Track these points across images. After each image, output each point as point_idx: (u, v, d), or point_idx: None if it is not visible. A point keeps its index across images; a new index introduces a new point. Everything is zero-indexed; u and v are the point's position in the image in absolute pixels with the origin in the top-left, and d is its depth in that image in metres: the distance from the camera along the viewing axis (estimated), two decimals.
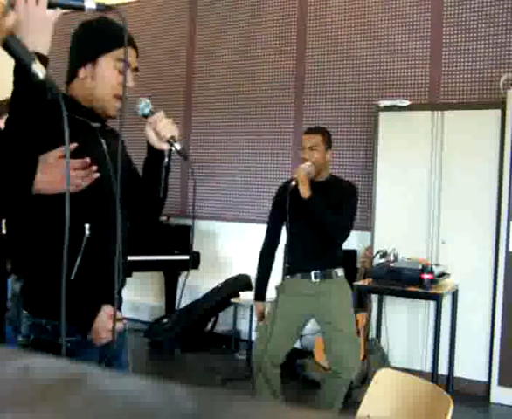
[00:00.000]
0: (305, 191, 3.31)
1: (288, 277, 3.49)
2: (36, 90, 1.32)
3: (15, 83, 1.35)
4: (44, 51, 1.33)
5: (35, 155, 1.42)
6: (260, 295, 3.61)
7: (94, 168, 1.59)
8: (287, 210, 3.36)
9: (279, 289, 3.51)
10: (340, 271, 3.54)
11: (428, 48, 5.12)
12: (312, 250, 3.45)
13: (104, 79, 1.71)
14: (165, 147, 1.81)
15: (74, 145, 1.51)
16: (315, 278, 3.44)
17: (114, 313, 1.66)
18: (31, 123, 1.36)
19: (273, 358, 3.41)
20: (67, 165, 1.22)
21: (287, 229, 3.45)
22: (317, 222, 3.38)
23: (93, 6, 1.36)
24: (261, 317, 3.58)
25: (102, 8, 1.39)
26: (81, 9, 1.36)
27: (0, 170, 1.37)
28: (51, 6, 1.33)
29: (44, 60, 1.31)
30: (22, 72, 1.31)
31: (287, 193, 3.36)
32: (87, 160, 1.58)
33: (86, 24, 1.76)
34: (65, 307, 1.24)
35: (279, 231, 3.61)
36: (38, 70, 1.22)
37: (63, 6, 1.35)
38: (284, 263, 3.54)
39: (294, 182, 3.35)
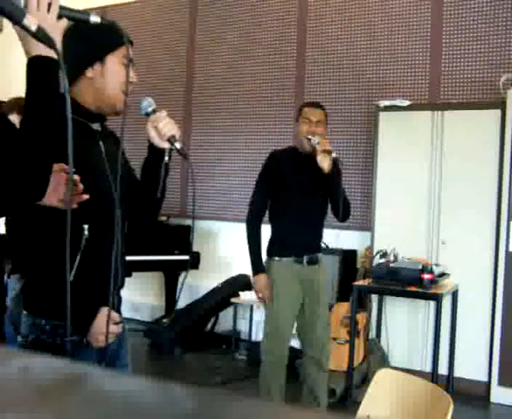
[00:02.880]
0: (329, 165, 3.21)
1: (279, 258, 3.34)
2: (50, 83, 1.33)
3: (28, 79, 1.35)
4: (55, 55, 1.35)
5: (50, 159, 1.40)
6: (262, 267, 3.32)
7: (81, 187, 1.55)
8: (295, 182, 3.29)
9: (273, 272, 3.34)
10: (321, 256, 3.45)
11: (428, 48, 5.12)
12: (309, 230, 3.36)
13: (115, 77, 1.73)
14: (166, 145, 1.82)
15: (76, 178, 1.51)
16: (308, 263, 3.35)
17: (121, 319, 1.66)
18: (47, 122, 1.36)
19: (278, 351, 3.35)
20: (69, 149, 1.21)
21: (276, 201, 3.35)
22: (334, 198, 3.31)
23: (98, 20, 1.40)
24: (267, 293, 3.29)
25: (106, 22, 1.44)
26: (87, 22, 1.40)
27: (14, 172, 1.36)
28: (59, 17, 1.37)
29: (55, 63, 1.33)
30: (34, 67, 1.32)
31: (280, 160, 3.36)
32: (81, 186, 1.55)
33: (81, 26, 1.76)
34: (70, 307, 1.24)
35: (267, 199, 3.43)
36: (30, 23, 1.22)
37: (70, 18, 1.40)
38: (273, 239, 3.40)
39: (322, 146, 3.20)
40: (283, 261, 3.33)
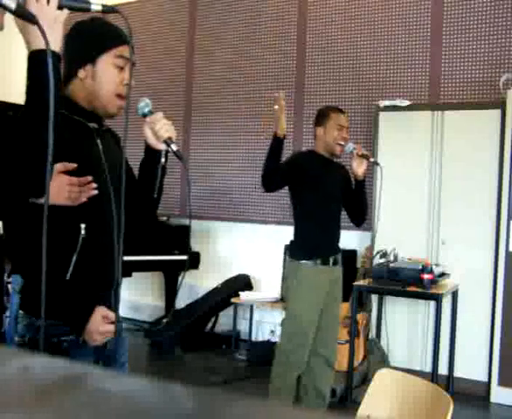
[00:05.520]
0: (363, 171, 3.31)
1: (306, 262, 3.32)
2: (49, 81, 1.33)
3: (28, 73, 1.35)
4: (55, 48, 1.35)
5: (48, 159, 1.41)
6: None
7: (94, 185, 1.60)
8: (325, 183, 3.30)
9: (301, 275, 3.31)
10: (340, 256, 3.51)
11: (428, 48, 5.12)
12: (333, 232, 3.41)
13: (105, 79, 1.72)
14: (162, 147, 1.82)
15: (73, 165, 1.53)
16: (333, 263, 3.38)
17: (116, 317, 1.66)
18: (47, 117, 1.36)
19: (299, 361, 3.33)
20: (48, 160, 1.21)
21: (303, 204, 3.35)
22: (361, 204, 3.41)
23: (99, 8, 1.39)
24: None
25: (107, 10, 1.42)
26: (87, 10, 1.38)
27: (14, 167, 1.36)
28: (59, 7, 1.36)
29: (56, 57, 1.33)
30: (34, 61, 1.32)
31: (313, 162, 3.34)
32: (88, 178, 1.60)
33: (80, 24, 1.76)
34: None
35: (283, 175, 3.30)
36: (10, 1, 1.21)
37: (70, 8, 1.38)
38: (298, 242, 3.39)
39: (358, 151, 3.29)
40: (311, 264, 3.32)
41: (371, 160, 3.36)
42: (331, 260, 3.37)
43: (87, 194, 1.59)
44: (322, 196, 3.33)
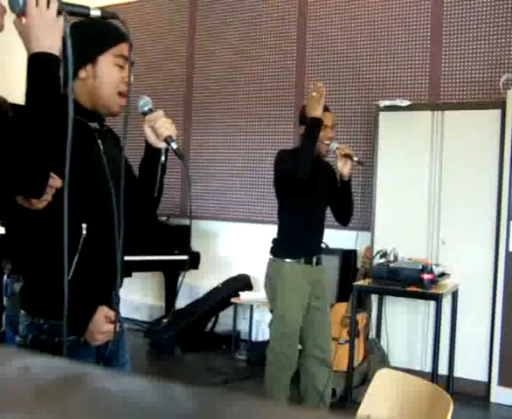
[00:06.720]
0: (348, 170, 3.25)
1: (290, 260, 3.29)
2: (50, 79, 1.33)
3: (28, 76, 1.35)
4: (55, 51, 1.36)
5: (50, 156, 1.40)
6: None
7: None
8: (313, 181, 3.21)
9: (284, 274, 3.28)
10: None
11: (428, 48, 5.12)
12: (317, 231, 3.38)
13: (106, 78, 1.72)
14: (162, 145, 1.82)
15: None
16: (316, 263, 3.35)
17: (117, 316, 1.66)
18: (47, 119, 1.36)
19: (289, 355, 3.31)
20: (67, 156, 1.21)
21: (287, 202, 3.31)
22: (347, 204, 3.36)
23: (99, 13, 1.40)
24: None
25: (106, 15, 1.43)
26: (87, 15, 1.40)
27: (13, 169, 1.36)
28: (59, 12, 1.37)
29: (55, 60, 1.34)
30: (35, 64, 1.33)
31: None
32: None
33: (79, 24, 1.76)
34: (67, 306, 1.24)
35: None
36: None
37: (70, 12, 1.39)
38: (282, 240, 3.35)
39: (342, 151, 3.23)
40: (294, 263, 3.29)
41: (355, 159, 3.26)
42: (314, 260, 3.33)
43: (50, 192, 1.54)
44: (310, 196, 3.29)
